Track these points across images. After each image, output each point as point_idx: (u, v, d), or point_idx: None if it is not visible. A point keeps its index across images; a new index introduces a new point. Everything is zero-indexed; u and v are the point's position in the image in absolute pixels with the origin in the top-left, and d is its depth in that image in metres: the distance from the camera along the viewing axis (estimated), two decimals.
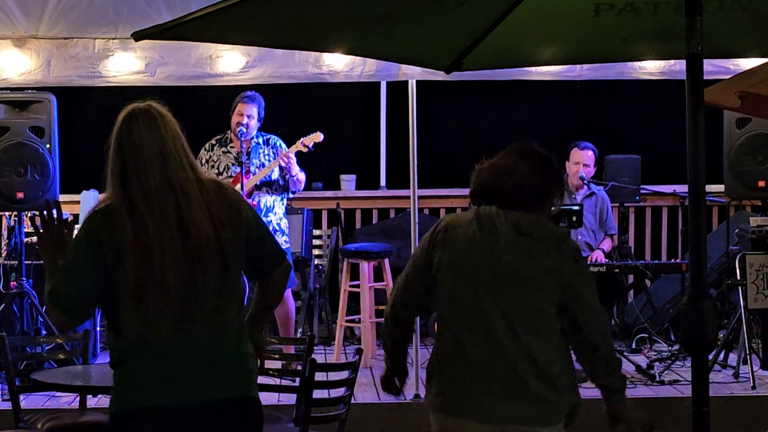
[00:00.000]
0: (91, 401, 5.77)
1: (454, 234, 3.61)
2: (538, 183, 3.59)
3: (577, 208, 7.32)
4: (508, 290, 3.50)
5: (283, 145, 7.72)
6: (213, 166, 7.72)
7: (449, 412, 3.56)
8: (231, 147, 7.73)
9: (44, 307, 7.39)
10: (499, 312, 3.49)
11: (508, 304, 3.49)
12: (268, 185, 7.66)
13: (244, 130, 7.58)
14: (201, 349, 3.29)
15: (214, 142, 7.79)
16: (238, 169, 7.59)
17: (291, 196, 7.91)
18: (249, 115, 7.60)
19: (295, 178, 7.60)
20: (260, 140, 7.73)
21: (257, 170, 7.64)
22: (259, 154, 7.70)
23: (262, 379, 5.89)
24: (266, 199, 7.65)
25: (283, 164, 7.55)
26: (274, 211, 7.68)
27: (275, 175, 7.64)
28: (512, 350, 3.46)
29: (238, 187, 7.53)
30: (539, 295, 3.49)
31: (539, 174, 3.60)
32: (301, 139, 7.65)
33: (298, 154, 7.64)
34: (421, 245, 3.76)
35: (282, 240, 7.71)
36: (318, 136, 7.63)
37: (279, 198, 7.73)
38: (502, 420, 3.46)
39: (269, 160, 7.66)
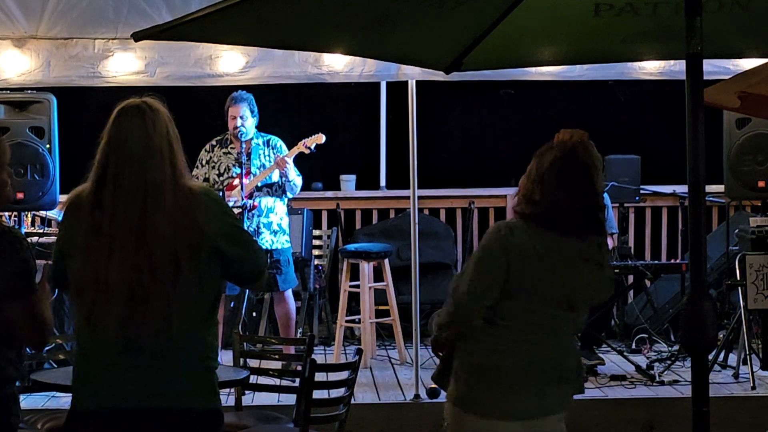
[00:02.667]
0: None
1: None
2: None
3: None
4: None
5: (284, 147, 7.71)
6: (214, 167, 7.71)
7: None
8: (231, 148, 7.72)
9: None
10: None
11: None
12: (268, 187, 7.65)
13: (243, 130, 7.58)
14: (153, 356, 3.24)
15: (214, 143, 7.79)
16: (239, 170, 7.59)
17: (290, 196, 7.91)
18: (241, 115, 7.60)
19: (291, 183, 7.58)
20: (260, 141, 7.73)
21: (258, 171, 7.63)
22: (260, 154, 7.70)
23: (262, 380, 5.93)
24: (267, 200, 7.65)
25: (280, 169, 7.53)
26: (275, 211, 7.68)
27: (275, 177, 7.64)
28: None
29: (238, 188, 7.54)
30: None
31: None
32: (303, 140, 7.64)
33: (299, 154, 7.63)
34: None
35: (283, 239, 7.71)
36: (320, 138, 7.62)
37: (279, 198, 7.73)
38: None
39: (270, 161, 7.65)
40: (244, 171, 7.52)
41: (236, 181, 7.59)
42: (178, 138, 3.35)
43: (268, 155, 7.69)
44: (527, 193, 3.62)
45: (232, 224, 3.39)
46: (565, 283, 3.59)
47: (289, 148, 7.68)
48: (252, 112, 7.64)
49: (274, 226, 7.64)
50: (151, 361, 3.24)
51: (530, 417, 3.59)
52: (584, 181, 3.60)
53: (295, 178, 7.60)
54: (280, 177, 7.62)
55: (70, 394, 3.40)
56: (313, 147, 7.61)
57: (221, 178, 7.67)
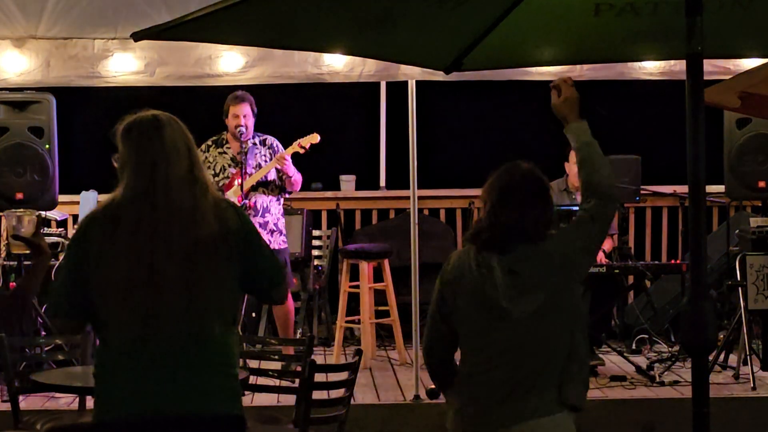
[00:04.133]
0: (91, 402, 5.76)
1: None
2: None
3: (576, 208, 7.30)
4: None
5: (280, 146, 7.72)
6: (209, 167, 7.71)
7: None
8: (227, 148, 7.72)
9: (44, 308, 7.39)
10: None
11: None
12: (264, 186, 7.65)
13: (244, 130, 7.58)
14: (181, 361, 3.27)
15: (210, 143, 7.79)
16: (235, 170, 7.58)
17: (287, 195, 7.91)
18: (244, 114, 7.60)
19: (291, 179, 7.60)
20: (256, 141, 7.72)
21: (254, 171, 7.63)
22: (256, 154, 7.70)
23: (261, 380, 5.92)
24: (263, 200, 7.65)
25: (279, 167, 7.54)
26: (271, 211, 7.68)
27: (272, 175, 7.64)
28: None
29: (234, 188, 7.53)
30: None
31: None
32: (298, 140, 7.64)
33: (296, 154, 7.64)
34: None
35: (280, 240, 7.71)
36: (315, 138, 7.62)
37: (275, 198, 7.73)
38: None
39: (266, 161, 7.65)
40: (243, 170, 7.51)
41: (235, 181, 7.59)
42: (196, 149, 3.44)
43: (264, 155, 7.69)
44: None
45: (254, 233, 3.46)
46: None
47: (286, 148, 7.68)
48: (253, 112, 7.65)
49: (271, 226, 7.63)
50: (181, 366, 3.26)
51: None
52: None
53: (295, 174, 7.61)
54: (279, 175, 7.61)
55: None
56: (308, 146, 7.61)
57: (217, 179, 7.67)
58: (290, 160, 7.56)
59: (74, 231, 3.37)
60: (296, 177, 7.63)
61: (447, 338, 3.76)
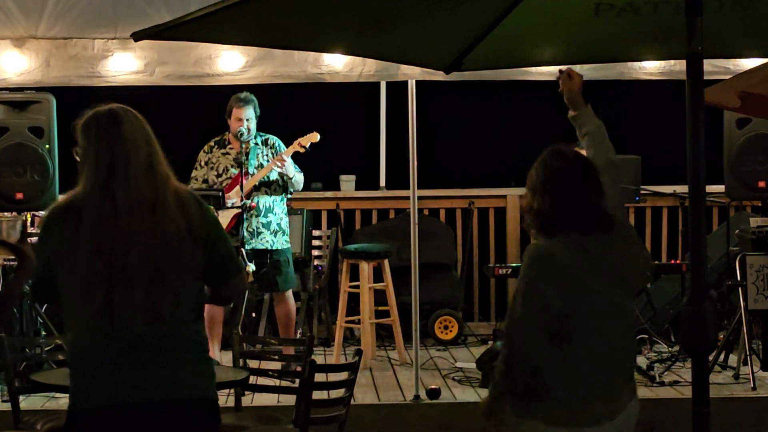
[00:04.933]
0: None
1: None
2: None
3: None
4: None
5: (282, 146, 7.71)
6: (213, 168, 7.71)
7: None
8: (230, 148, 7.72)
9: (44, 308, 7.39)
10: None
11: None
12: (266, 186, 7.65)
13: (245, 132, 7.56)
14: (153, 348, 3.31)
15: (212, 143, 7.78)
16: (237, 171, 7.57)
17: (290, 195, 7.91)
18: (247, 117, 7.59)
19: (292, 180, 7.59)
20: (258, 141, 7.72)
21: (255, 171, 7.63)
22: (257, 154, 7.69)
23: (261, 380, 5.92)
24: (265, 200, 7.64)
25: (278, 168, 7.52)
26: (274, 211, 7.67)
27: (274, 175, 7.63)
28: None
29: (236, 189, 7.53)
30: None
31: None
32: (298, 139, 7.63)
33: (296, 154, 7.63)
34: None
35: (283, 240, 7.70)
36: (315, 136, 7.62)
37: (278, 198, 7.72)
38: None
39: (267, 161, 7.64)
40: (242, 171, 7.50)
41: (236, 181, 7.58)
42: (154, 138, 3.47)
43: (266, 155, 7.68)
44: (530, 205, 3.71)
45: (215, 222, 3.53)
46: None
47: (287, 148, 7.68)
48: (256, 113, 7.64)
49: (274, 226, 7.63)
50: (152, 353, 3.31)
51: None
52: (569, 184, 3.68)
53: (296, 174, 7.61)
54: (280, 176, 7.61)
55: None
56: (308, 146, 7.60)
57: (220, 179, 7.66)
58: (290, 161, 7.55)
59: (39, 225, 3.45)
60: (297, 177, 7.62)
61: (543, 342, 3.57)
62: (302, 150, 7.60)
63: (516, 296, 3.62)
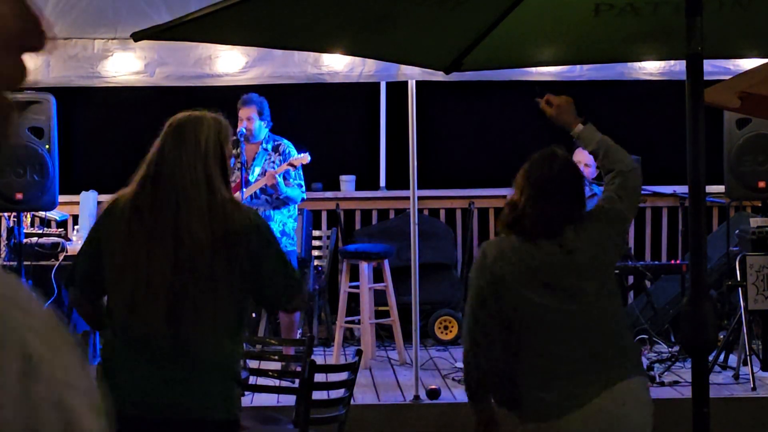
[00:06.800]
0: None
1: None
2: None
3: None
4: None
5: (292, 151, 7.66)
6: None
7: None
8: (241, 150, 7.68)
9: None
10: None
11: None
12: (268, 195, 7.60)
13: (244, 132, 7.55)
14: (176, 362, 3.29)
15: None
16: (238, 173, 7.55)
17: (295, 204, 7.84)
18: (248, 117, 7.56)
19: (283, 197, 7.54)
20: (269, 146, 7.66)
21: (259, 177, 7.58)
22: (264, 161, 7.64)
23: (261, 381, 5.92)
24: (266, 207, 7.60)
25: (268, 184, 7.48)
26: (275, 218, 7.61)
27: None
28: None
29: (237, 194, 7.50)
30: None
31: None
32: (290, 159, 7.61)
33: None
34: None
35: (287, 242, 7.65)
36: (305, 158, 7.60)
37: (278, 209, 7.67)
38: None
39: (275, 167, 7.59)
40: (243, 174, 7.47)
41: (238, 186, 7.55)
42: (221, 150, 3.42)
43: (274, 161, 7.63)
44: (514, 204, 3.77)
45: (263, 237, 3.44)
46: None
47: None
48: (261, 114, 7.59)
49: (277, 231, 7.59)
50: (173, 367, 3.28)
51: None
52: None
53: (287, 192, 7.54)
54: (273, 187, 7.54)
55: None
56: (299, 167, 7.60)
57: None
58: (279, 180, 7.46)
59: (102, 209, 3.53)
60: (290, 194, 7.53)
61: (497, 338, 3.63)
62: (293, 169, 7.59)
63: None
